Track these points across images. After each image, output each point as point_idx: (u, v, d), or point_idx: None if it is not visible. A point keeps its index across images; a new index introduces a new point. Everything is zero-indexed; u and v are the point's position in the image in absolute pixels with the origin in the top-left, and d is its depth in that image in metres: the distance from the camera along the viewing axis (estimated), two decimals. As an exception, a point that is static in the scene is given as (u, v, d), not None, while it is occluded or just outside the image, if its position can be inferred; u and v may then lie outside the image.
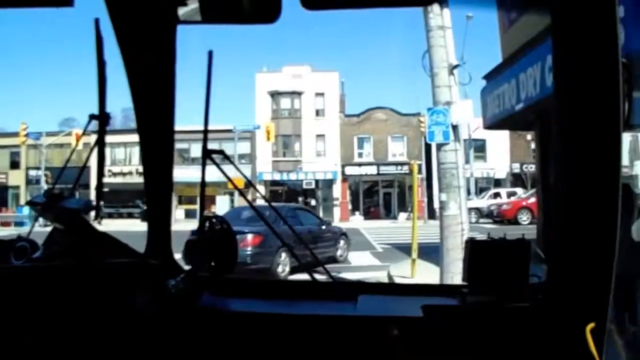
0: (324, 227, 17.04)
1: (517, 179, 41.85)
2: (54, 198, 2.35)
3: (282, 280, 2.41)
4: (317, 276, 2.59)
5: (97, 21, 2.14)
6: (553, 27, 1.89)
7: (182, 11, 2.09)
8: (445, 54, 10.74)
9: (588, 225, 1.86)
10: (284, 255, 13.66)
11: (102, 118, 2.29)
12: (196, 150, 45.24)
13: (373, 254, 18.30)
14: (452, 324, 2.07)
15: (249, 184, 2.72)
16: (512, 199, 32.52)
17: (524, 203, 29.72)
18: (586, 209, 1.87)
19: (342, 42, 66.29)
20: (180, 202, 39.88)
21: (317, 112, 44.10)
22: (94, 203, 2.70)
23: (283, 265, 13.64)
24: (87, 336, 2.02)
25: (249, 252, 12.84)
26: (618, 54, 1.76)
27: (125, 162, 40.64)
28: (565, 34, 1.88)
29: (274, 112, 43.43)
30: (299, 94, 43.43)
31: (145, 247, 2.50)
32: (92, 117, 2.28)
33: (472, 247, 2.16)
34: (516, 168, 42.55)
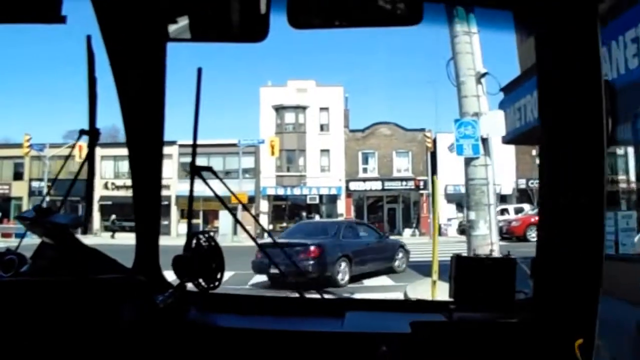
0: (382, 239, 17.89)
1: (522, 195, 41.67)
2: (43, 213, 2.35)
3: (270, 296, 2.52)
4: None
5: (89, 38, 2.20)
6: (537, 46, 1.96)
7: (172, 29, 2.15)
8: (472, 61, 10.10)
9: (574, 241, 1.91)
10: (343, 264, 14.72)
11: (92, 133, 2.32)
12: (201, 164, 45.36)
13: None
14: (440, 340, 2.09)
15: (243, 207, 2.75)
16: (520, 215, 32.16)
17: (532, 219, 29.17)
18: (572, 225, 1.91)
19: (346, 56, 66.62)
20: (182, 216, 39.87)
21: (322, 127, 44.20)
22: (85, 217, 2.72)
23: (343, 274, 14.69)
24: (73, 352, 2.01)
25: (311, 262, 13.99)
26: (601, 72, 1.82)
27: (129, 175, 40.83)
28: (550, 53, 1.94)
29: (278, 127, 43.50)
30: (304, 108, 43.55)
31: (134, 262, 2.52)
32: (82, 132, 2.32)
33: (458, 263, 2.23)
34: (522, 184, 42.35)
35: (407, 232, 41.69)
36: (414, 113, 77.61)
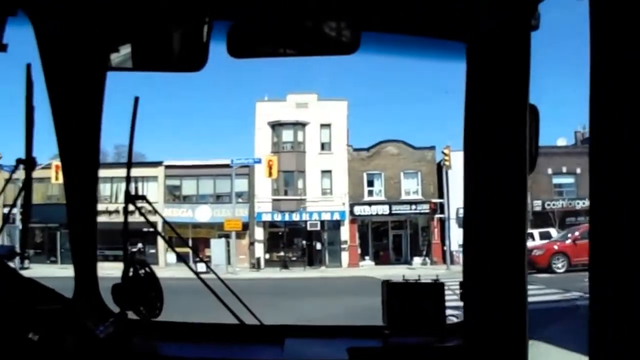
0: None
1: (537, 218, 41.51)
2: None
3: (211, 323, 2.77)
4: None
5: (28, 66, 2.35)
6: (468, 70, 2.22)
7: (113, 57, 2.38)
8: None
9: (499, 264, 2.17)
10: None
11: (29, 162, 2.44)
12: (189, 188, 45.42)
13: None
14: None
15: (181, 240, 2.96)
16: (545, 242, 31.39)
17: (556, 247, 28.65)
18: (496, 248, 2.18)
19: (349, 68, 67.10)
20: (170, 245, 39.56)
21: (323, 146, 44.15)
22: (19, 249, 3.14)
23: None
24: None
25: None
26: (527, 99, 2.06)
27: (111, 199, 40.64)
28: (479, 76, 2.20)
29: (274, 145, 43.43)
30: (303, 125, 43.56)
31: (73, 291, 2.68)
32: (18, 161, 2.43)
33: (389, 289, 2.51)
34: (537, 206, 42.23)
35: (417, 260, 41.45)
36: (422, 130, 77.83)
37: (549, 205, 41.65)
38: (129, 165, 2.76)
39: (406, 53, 2.66)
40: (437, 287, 2.52)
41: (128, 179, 2.72)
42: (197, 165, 42.69)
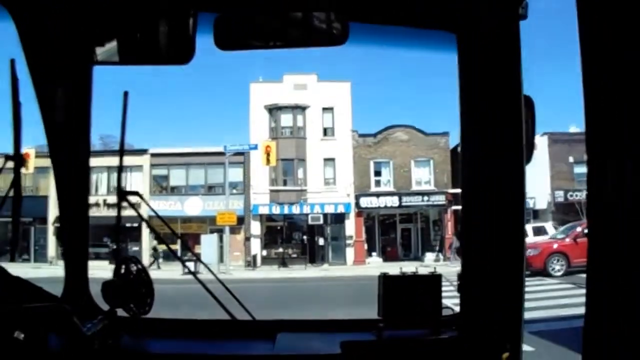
0: None
1: (559, 210, 41.48)
2: None
3: (202, 319, 2.96)
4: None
5: (12, 62, 2.48)
6: (459, 61, 2.39)
7: (99, 52, 2.52)
8: None
9: (496, 257, 2.34)
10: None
11: (18, 158, 2.58)
12: (177, 178, 45.34)
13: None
14: (370, 359, 2.53)
15: (174, 231, 3.06)
16: (540, 240, 29.98)
17: (555, 246, 26.77)
18: (494, 240, 2.36)
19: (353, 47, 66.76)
20: (158, 241, 39.61)
21: (325, 131, 44.15)
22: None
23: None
24: None
25: None
26: (521, 90, 2.21)
27: (91, 191, 40.65)
28: (470, 66, 2.37)
29: (272, 131, 43.37)
30: (303, 108, 43.50)
31: (63, 289, 2.88)
32: (7, 157, 2.55)
33: (385, 282, 2.66)
34: (559, 197, 42.21)
35: (429, 256, 41.42)
36: (434, 114, 77.62)
37: (572, 196, 41.71)
38: (121, 160, 2.92)
39: (396, 44, 2.83)
40: (433, 280, 2.66)
41: (120, 174, 2.94)
42: (187, 152, 42.66)
